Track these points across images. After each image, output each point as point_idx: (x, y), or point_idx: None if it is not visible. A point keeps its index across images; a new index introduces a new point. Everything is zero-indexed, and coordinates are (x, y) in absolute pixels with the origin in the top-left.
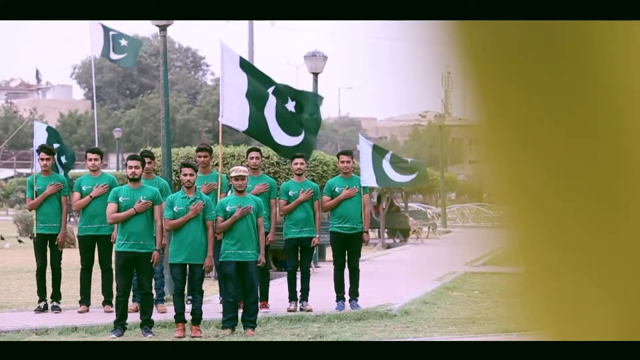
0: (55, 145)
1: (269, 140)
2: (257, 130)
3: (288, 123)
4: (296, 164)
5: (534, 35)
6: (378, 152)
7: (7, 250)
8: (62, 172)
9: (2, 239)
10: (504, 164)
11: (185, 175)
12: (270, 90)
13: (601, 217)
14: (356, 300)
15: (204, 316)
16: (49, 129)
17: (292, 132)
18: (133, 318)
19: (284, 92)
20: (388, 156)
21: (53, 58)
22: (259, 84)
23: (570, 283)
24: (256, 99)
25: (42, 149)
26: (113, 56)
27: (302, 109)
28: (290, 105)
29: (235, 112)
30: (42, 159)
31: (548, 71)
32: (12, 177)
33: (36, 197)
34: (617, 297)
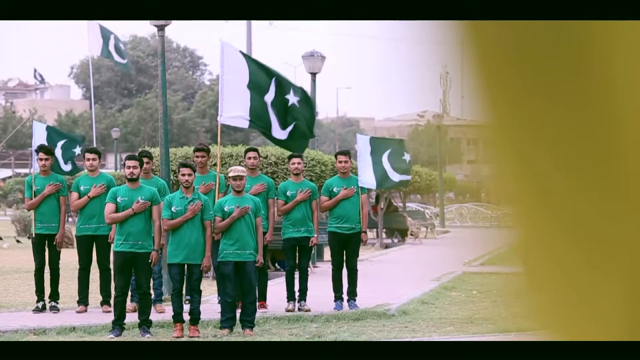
0: (61, 142)
1: (269, 132)
2: (260, 122)
3: (282, 113)
4: (293, 163)
5: (544, 36)
6: (376, 148)
7: (5, 250)
8: (68, 167)
9: (1, 239)
10: (515, 163)
11: (183, 175)
12: (272, 81)
13: (613, 212)
14: (354, 300)
15: (202, 316)
16: (48, 128)
17: (283, 124)
18: (131, 318)
19: (285, 84)
20: (386, 154)
21: (51, 58)
22: (261, 76)
23: (584, 279)
24: (258, 90)
25: (40, 149)
26: (117, 58)
27: (302, 103)
28: (292, 97)
29: (235, 110)
30: (41, 159)
31: (559, 70)
32: (10, 177)
33: (35, 197)
34: (629, 293)
